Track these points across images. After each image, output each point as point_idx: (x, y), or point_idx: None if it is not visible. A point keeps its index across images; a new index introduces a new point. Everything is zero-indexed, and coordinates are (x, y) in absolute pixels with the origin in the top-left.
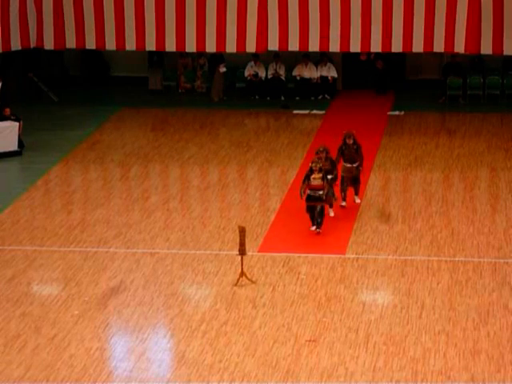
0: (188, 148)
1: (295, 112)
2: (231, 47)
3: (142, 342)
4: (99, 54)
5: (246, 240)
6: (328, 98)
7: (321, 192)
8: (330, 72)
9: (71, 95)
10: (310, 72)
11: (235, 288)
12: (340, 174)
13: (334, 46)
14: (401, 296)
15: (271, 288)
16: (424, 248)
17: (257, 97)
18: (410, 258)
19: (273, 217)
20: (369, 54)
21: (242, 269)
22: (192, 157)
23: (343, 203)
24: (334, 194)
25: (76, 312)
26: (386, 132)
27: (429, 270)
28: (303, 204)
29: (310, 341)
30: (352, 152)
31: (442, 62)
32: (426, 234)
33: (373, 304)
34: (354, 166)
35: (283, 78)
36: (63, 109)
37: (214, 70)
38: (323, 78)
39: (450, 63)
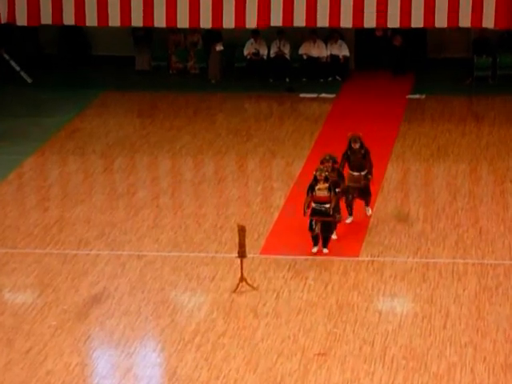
0: (180, 137)
1: (302, 96)
2: (229, 23)
3: (129, 357)
4: (79, 31)
5: (247, 241)
6: (339, 79)
7: (327, 205)
8: (342, 50)
9: (47, 76)
10: (318, 50)
11: (234, 295)
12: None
13: (346, 22)
14: (422, 304)
15: (275, 295)
16: (448, 249)
17: (258, 78)
18: (432, 260)
19: (276, 214)
20: (385, 29)
21: (241, 273)
22: (184, 147)
23: (349, 220)
24: (340, 213)
25: (53, 323)
26: (404, 118)
27: (454, 274)
28: (306, 220)
29: (319, 354)
30: (359, 158)
31: (469, 39)
32: (451, 234)
33: (390, 313)
34: (362, 174)
35: (288, 57)
36: (38, 92)
37: (209, 48)
38: (333, 57)
39: (478, 40)
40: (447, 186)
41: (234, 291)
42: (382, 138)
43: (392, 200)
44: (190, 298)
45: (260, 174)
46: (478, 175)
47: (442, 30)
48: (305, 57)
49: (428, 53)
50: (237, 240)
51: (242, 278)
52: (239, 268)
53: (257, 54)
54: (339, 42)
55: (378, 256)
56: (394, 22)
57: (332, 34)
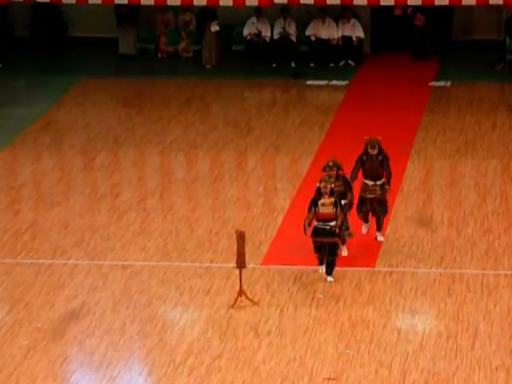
0: (170, 129)
1: (309, 83)
2: (226, 0)
3: (112, 381)
4: (54, 9)
5: (246, 248)
6: (352, 64)
7: (333, 223)
8: (355, 31)
9: (18, 61)
10: (328, 31)
11: (232, 311)
12: (358, 194)
13: None
14: (447, 321)
15: (278, 311)
16: (477, 259)
17: (259, 63)
18: (458, 271)
19: (280, 218)
20: (405, 7)
21: (240, 286)
22: (175, 141)
23: (365, 228)
24: (348, 228)
25: (25, 342)
26: (427, 108)
27: (483, 287)
28: (307, 238)
29: (329, 379)
30: (376, 165)
31: (501, 18)
32: (480, 241)
33: (411, 331)
34: (378, 183)
35: (294, 38)
36: (8, 78)
37: (203, 28)
38: (346, 39)
39: (511, 19)
40: (476, 186)
41: (232, 306)
42: (402, 131)
43: (413, 202)
44: (181, 314)
45: (262, 172)
46: (511, 174)
47: (469, 7)
48: (313, 38)
49: (454, 34)
50: (235, 248)
51: (241, 292)
52: (238, 280)
53: (258, 34)
54: (352, 21)
55: (397, 266)
56: None
57: (344, 13)
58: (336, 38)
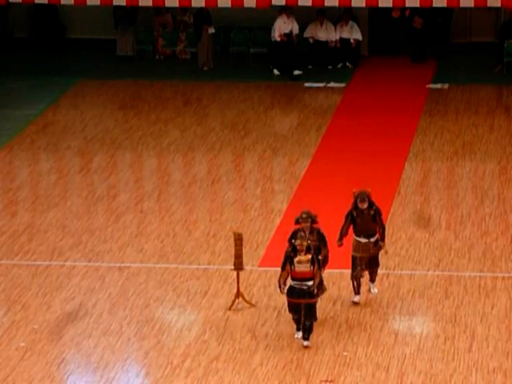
0: (168, 132)
1: (307, 85)
2: (224, 1)
3: (109, 383)
4: (52, 11)
5: (244, 251)
6: (350, 66)
7: (310, 283)
8: (353, 33)
9: (16, 63)
10: (326, 33)
11: (229, 313)
12: (350, 253)
13: (359, 0)
14: (444, 323)
15: (276, 313)
16: (475, 261)
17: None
18: (456, 273)
19: (278, 220)
20: (403, 10)
21: (237, 288)
22: (173, 143)
23: (356, 298)
24: (322, 285)
25: (22, 344)
26: (425, 111)
27: (481, 289)
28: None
29: (326, 381)
30: (367, 220)
31: (498, 21)
32: (478, 243)
33: (408, 334)
34: (372, 241)
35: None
36: (6, 80)
37: (200, 31)
38: (344, 41)
39: (508, 22)
40: (473, 188)
41: (230, 308)
42: (399, 134)
43: (410, 204)
44: (178, 316)
45: (259, 174)
46: (508, 176)
47: (467, 10)
48: (311, 40)
49: (452, 37)
50: (232, 250)
51: (239, 294)
52: (235, 282)
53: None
54: (350, 23)
55: (394, 269)
56: (413, 0)
57: (342, 15)
58: (334, 40)
